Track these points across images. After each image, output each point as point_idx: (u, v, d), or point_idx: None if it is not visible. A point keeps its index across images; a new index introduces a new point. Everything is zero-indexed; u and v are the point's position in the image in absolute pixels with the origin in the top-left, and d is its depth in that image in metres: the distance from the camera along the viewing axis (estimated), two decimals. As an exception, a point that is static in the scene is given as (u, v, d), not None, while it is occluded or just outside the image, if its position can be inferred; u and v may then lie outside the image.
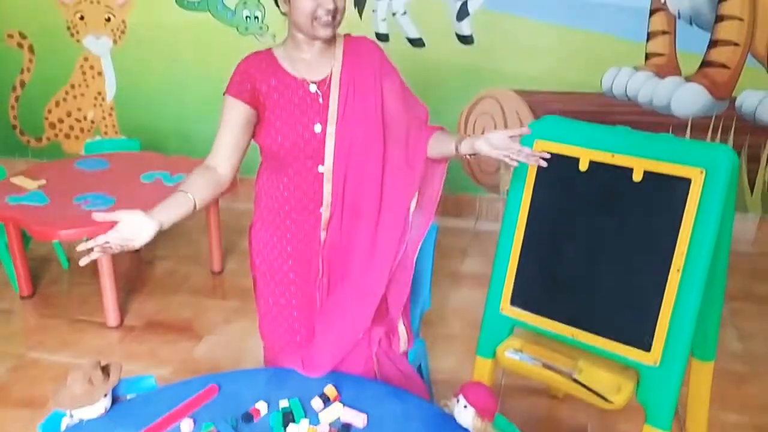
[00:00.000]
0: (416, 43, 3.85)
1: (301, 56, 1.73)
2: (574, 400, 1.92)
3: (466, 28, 3.76)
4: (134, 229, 1.48)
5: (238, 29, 4.05)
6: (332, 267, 1.83)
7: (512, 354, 1.90)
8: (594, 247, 1.81)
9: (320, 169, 1.74)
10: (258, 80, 1.69)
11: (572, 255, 1.84)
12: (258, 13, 4.00)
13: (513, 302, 1.92)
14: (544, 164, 1.64)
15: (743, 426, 2.41)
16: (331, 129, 1.71)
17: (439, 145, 1.77)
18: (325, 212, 1.78)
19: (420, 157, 1.80)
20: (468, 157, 1.72)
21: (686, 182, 1.64)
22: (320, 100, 1.72)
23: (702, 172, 1.62)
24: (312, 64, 1.74)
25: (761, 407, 2.50)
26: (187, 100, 4.25)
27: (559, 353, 1.85)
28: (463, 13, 3.72)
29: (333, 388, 1.59)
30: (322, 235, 1.80)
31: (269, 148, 1.72)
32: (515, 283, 1.92)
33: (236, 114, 1.68)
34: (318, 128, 1.71)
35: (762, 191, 3.72)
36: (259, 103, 1.70)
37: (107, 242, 1.45)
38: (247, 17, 4.02)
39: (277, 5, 1.73)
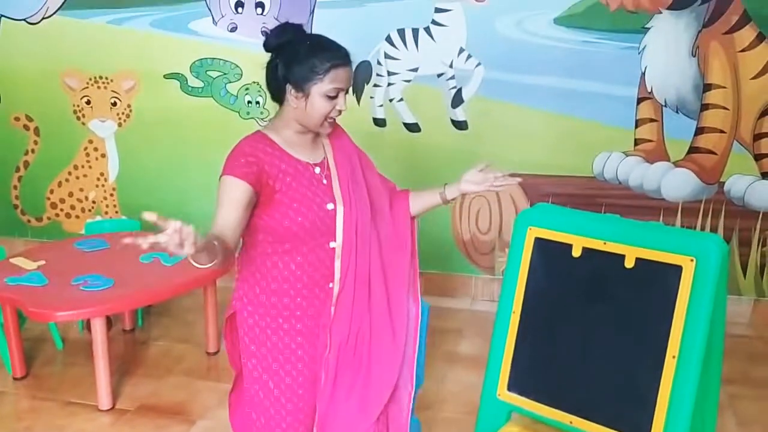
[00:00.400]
0: (412, 128, 3.97)
1: (297, 141, 1.82)
2: (574, 489, 1.88)
3: (460, 114, 3.89)
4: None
5: (240, 114, 4.18)
6: (341, 344, 1.85)
7: (510, 441, 1.88)
8: (589, 333, 1.82)
9: (332, 244, 1.82)
10: (267, 163, 1.73)
11: (568, 340, 1.85)
12: (259, 99, 4.13)
13: (510, 388, 1.91)
14: (520, 179, 1.98)
15: None
16: (339, 207, 1.81)
17: (421, 202, 2.03)
18: (335, 287, 1.83)
19: (404, 222, 1.99)
20: (452, 200, 2.03)
21: (677, 269, 1.67)
22: (324, 181, 1.82)
23: (692, 261, 1.65)
24: (309, 149, 1.84)
25: (765, 497, 2.46)
26: (187, 182, 4.33)
27: (558, 441, 1.84)
28: (457, 100, 3.86)
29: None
30: (332, 310, 1.84)
31: (286, 229, 1.75)
32: (512, 368, 1.92)
33: (240, 194, 1.69)
34: (331, 206, 1.80)
35: (754, 274, 3.76)
36: (265, 185, 1.73)
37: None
38: (248, 102, 4.15)
39: (273, 94, 1.80)
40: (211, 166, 4.22)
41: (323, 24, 3.95)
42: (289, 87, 1.74)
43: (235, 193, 1.69)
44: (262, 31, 4.03)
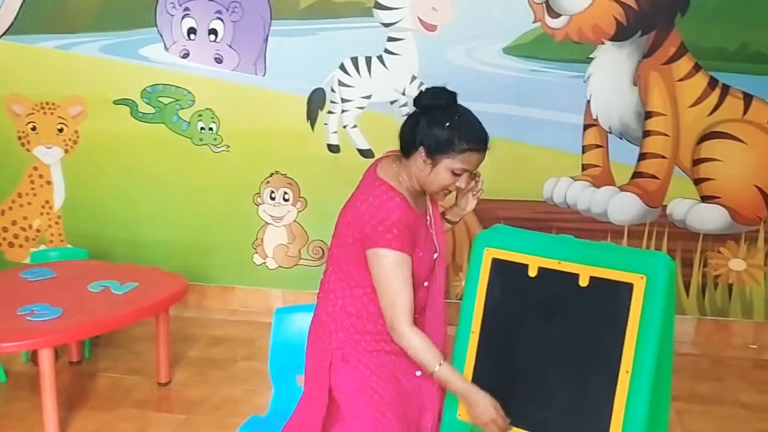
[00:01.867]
0: (366, 154, 4.01)
1: (415, 194, 1.90)
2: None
3: (413, 140, 3.94)
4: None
5: (192, 140, 4.15)
6: None
7: (470, 461, 1.89)
8: (546, 351, 1.86)
9: (425, 283, 1.93)
10: (414, 231, 1.83)
11: (526, 359, 1.89)
12: (213, 125, 4.12)
13: (470, 407, 1.93)
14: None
15: None
16: (437, 256, 1.94)
17: None
18: (420, 318, 1.94)
19: None
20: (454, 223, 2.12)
21: (629, 287, 1.73)
22: (431, 230, 1.93)
23: (643, 278, 1.71)
24: (421, 200, 1.93)
25: None
26: (138, 209, 4.26)
27: (517, 458, 1.86)
28: (410, 127, 3.92)
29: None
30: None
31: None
32: (471, 387, 1.94)
33: (408, 266, 1.80)
34: (435, 255, 1.93)
35: (697, 294, 3.90)
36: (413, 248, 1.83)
37: None
38: (201, 129, 4.13)
39: (403, 146, 1.85)
40: (162, 193, 4.21)
41: (277, 52, 3.98)
42: (421, 149, 1.80)
43: (408, 270, 1.80)
44: (215, 58, 4.04)
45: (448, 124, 1.78)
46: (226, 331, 4.01)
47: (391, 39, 3.88)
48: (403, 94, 3.92)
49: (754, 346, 3.87)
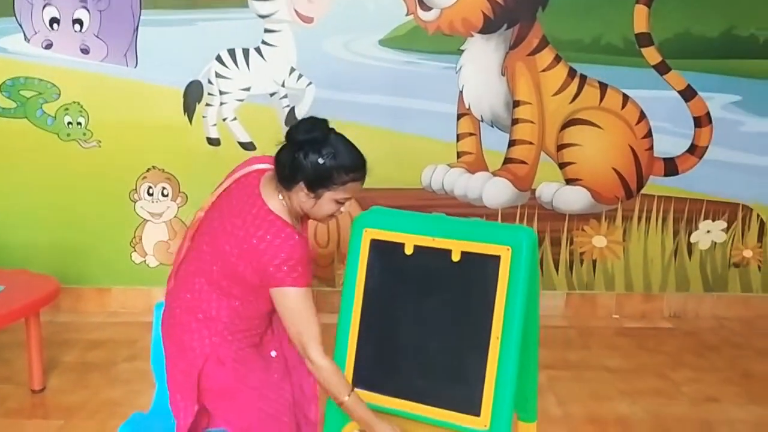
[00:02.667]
0: (247, 147, 3.98)
1: (298, 218, 1.91)
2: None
3: (294, 131, 3.96)
4: None
5: (59, 136, 3.94)
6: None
7: (356, 434, 1.96)
8: (424, 324, 1.96)
9: None
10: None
11: (406, 333, 1.97)
12: (81, 120, 3.93)
13: (355, 384, 1.98)
14: None
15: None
16: None
17: None
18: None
19: None
20: None
21: (497, 259, 1.86)
22: None
23: (509, 249, 1.84)
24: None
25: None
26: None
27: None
28: (291, 119, 3.93)
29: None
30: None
31: None
32: (356, 365, 2.00)
33: (311, 295, 1.87)
34: None
35: (565, 271, 4.18)
36: None
37: None
38: (69, 123, 3.94)
39: (283, 177, 1.83)
40: (29, 192, 3.97)
41: (149, 43, 3.86)
42: (302, 183, 1.78)
43: (312, 298, 1.87)
44: (81, 49, 3.86)
45: (324, 159, 1.79)
46: (104, 334, 3.86)
47: (268, 31, 3.87)
48: (283, 86, 3.93)
49: (617, 316, 4.21)
